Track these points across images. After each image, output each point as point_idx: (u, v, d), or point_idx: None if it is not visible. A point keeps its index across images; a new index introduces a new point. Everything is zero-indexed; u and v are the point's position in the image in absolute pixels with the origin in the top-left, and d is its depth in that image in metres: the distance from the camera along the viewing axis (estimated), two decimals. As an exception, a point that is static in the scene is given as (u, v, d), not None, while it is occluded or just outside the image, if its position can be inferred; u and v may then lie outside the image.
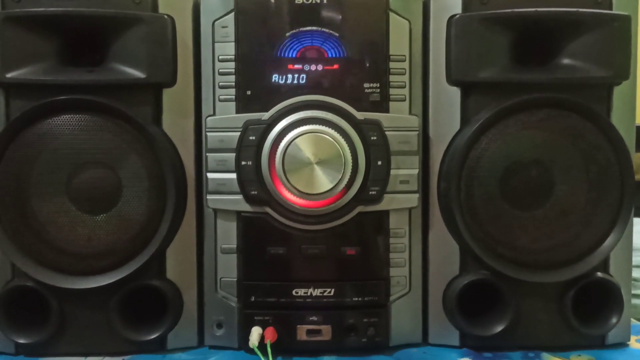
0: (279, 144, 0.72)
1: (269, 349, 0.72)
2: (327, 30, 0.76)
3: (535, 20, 0.74)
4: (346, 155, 0.71)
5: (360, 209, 0.75)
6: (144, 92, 0.75)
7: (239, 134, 0.74)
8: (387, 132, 0.75)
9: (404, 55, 0.76)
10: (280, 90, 0.75)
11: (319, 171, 0.70)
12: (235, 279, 0.77)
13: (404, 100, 0.76)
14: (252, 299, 0.76)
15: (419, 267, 0.79)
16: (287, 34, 0.76)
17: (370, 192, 0.74)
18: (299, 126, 0.72)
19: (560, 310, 0.77)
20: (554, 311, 0.77)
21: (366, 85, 0.75)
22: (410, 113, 0.77)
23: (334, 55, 0.76)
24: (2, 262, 0.76)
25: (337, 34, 0.76)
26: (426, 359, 0.76)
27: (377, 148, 0.74)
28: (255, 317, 0.76)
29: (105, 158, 0.74)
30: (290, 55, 0.76)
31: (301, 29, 0.76)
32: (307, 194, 0.71)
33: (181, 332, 0.78)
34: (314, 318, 0.75)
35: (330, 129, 0.72)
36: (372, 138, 0.74)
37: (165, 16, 0.75)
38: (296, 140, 0.71)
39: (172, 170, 0.75)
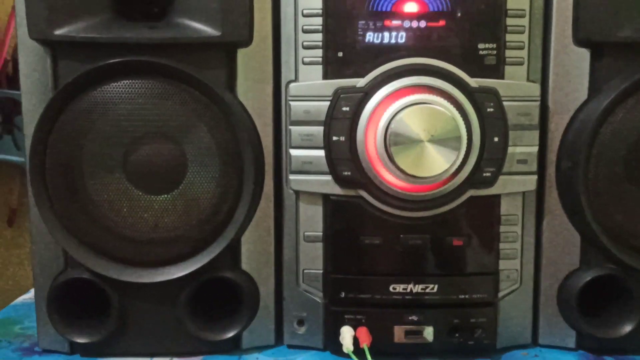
0: (379, 117, 0.61)
1: (368, 355, 0.62)
2: (429, -22, 0.63)
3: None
4: (462, 131, 0.60)
5: (471, 192, 0.64)
6: (216, 52, 0.64)
7: (328, 103, 0.63)
8: (504, 102, 0.63)
9: (524, 10, 0.64)
10: (374, 52, 0.63)
11: (431, 150, 0.59)
12: (321, 271, 0.67)
13: (522, 64, 0.64)
14: (342, 294, 0.66)
15: (531, 259, 0.68)
16: (381, -17, 0.63)
17: (485, 174, 0.63)
18: (403, 95, 0.61)
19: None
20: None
21: (481, 45, 0.63)
22: (527, 79, 0.65)
23: (437, 9, 0.63)
24: (53, 251, 0.66)
25: (441, -17, 0.63)
26: (539, 364, 0.66)
27: (493, 121, 0.62)
28: (346, 316, 0.66)
29: (169, 130, 0.63)
30: (384, 9, 0.63)
31: (398, -24, 0.63)
32: (416, 177, 0.60)
33: (257, 330, 0.68)
34: (414, 317, 0.65)
35: (442, 99, 0.60)
36: (488, 110, 0.62)
37: (241, -38, 0.62)
38: (402, 112, 0.59)
39: (251, 145, 0.64)
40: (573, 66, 0.65)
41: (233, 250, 0.67)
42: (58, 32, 0.61)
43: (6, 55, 1.18)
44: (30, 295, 0.87)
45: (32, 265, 0.68)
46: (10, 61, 1.19)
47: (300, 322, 0.68)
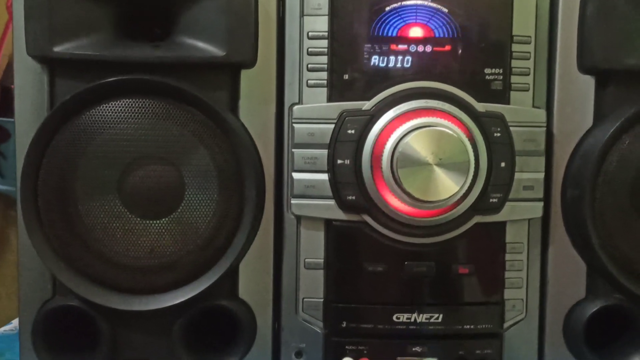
0: (385, 140, 0.59)
1: (371, 388, 0.59)
2: (434, 5, 0.63)
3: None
4: (470, 155, 0.59)
5: (477, 219, 0.62)
6: (219, 73, 0.62)
7: (333, 126, 0.62)
8: (511, 128, 0.62)
9: (529, 37, 0.64)
10: (380, 75, 0.62)
11: (440, 174, 0.58)
12: (322, 300, 0.64)
13: (528, 90, 0.64)
14: (343, 324, 0.64)
15: (537, 288, 0.67)
16: (387, 8, 0.63)
17: (491, 200, 0.62)
18: (411, 118, 0.60)
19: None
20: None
21: (487, 70, 0.63)
22: (533, 105, 0.64)
23: (442, 35, 0.63)
24: (41, 278, 0.63)
25: (446, 10, 0.63)
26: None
27: (500, 147, 0.62)
28: (347, 347, 0.63)
29: (167, 152, 0.61)
30: (390, 34, 0.63)
31: (403, 2, 0.63)
32: (423, 201, 0.58)
33: (253, 361, 0.65)
34: (418, 349, 0.63)
35: (450, 123, 0.59)
36: (495, 135, 0.61)
37: (247, -18, 0.61)
38: (410, 135, 0.58)
39: (252, 168, 0.62)
40: (578, 93, 0.64)
41: (231, 278, 0.64)
42: (57, 49, 0.59)
43: (-6, 81, 1.15)
44: (11, 326, 0.83)
45: (18, 293, 0.64)
46: (-3, 87, 1.16)
47: (299, 354, 0.65)
